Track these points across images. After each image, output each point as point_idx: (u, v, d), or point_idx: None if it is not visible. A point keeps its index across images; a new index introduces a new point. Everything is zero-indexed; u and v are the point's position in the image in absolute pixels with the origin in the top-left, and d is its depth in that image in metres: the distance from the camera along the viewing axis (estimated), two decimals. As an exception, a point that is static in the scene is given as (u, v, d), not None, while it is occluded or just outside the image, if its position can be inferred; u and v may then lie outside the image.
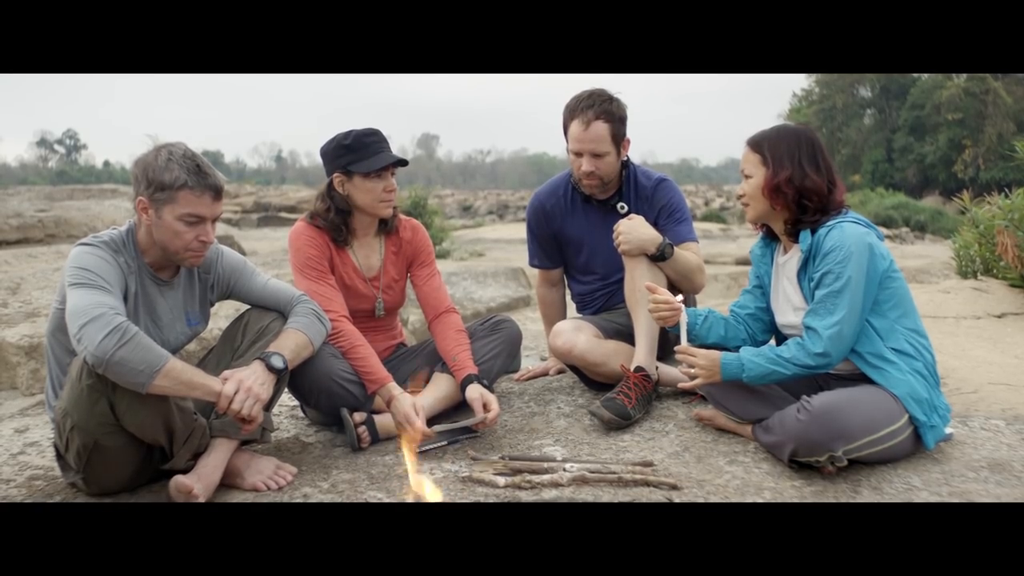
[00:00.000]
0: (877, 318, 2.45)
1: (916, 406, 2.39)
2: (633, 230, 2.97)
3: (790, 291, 2.61)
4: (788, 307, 2.62)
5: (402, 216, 3.15)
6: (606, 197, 3.26)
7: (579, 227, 3.33)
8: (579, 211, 3.32)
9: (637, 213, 3.13)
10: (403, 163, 2.91)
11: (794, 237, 2.55)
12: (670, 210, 3.21)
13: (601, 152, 3.07)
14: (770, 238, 2.74)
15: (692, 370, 2.59)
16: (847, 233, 2.40)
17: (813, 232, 2.49)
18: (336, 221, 2.92)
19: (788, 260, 2.62)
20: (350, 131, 2.88)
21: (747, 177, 2.57)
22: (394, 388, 2.75)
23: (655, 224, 3.09)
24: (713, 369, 2.53)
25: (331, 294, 2.85)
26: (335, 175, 2.90)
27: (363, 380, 2.77)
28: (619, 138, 3.10)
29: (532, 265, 3.57)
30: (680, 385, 2.76)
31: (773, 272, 2.72)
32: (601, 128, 3.03)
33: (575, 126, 3.06)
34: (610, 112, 3.04)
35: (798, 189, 2.46)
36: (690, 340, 2.66)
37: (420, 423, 2.63)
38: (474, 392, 2.77)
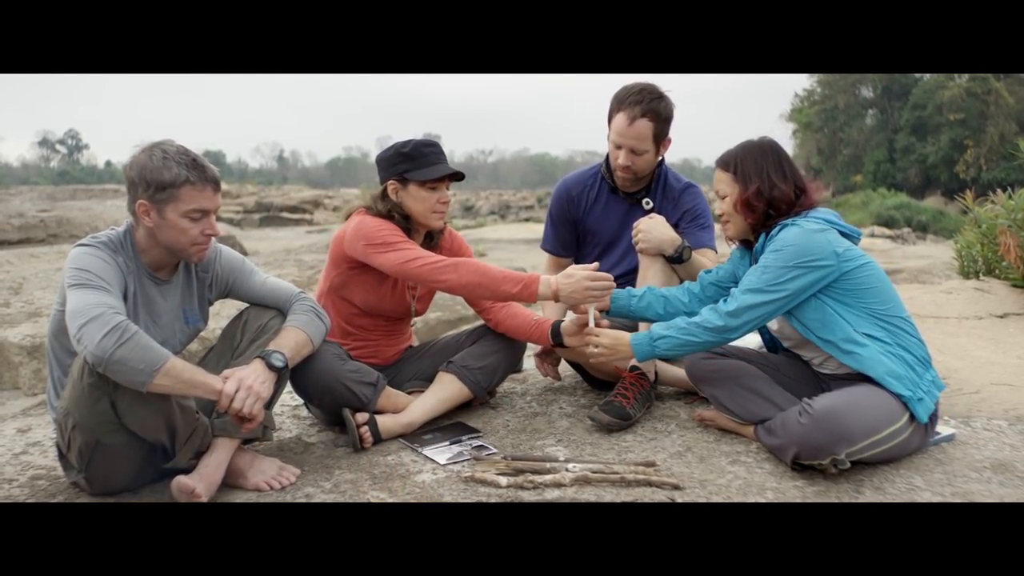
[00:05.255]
0: (844, 307, 2.48)
1: (897, 383, 2.40)
2: (653, 229, 2.97)
3: None
4: None
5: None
6: (635, 190, 3.27)
7: (599, 218, 3.34)
8: (603, 202, 3.34)
9: (661, 212, 3.14)
10: (460, 176, 2.91)
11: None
12: (694, 215, 3.23)
13: (640, 150, 3.08)
14: (746, 247, 2.80)
15: (594, 349, 2.69)
16: (792, 230, 2.48)
17: (767, 234, 2.57)
18: (402, 224, 2.89)
19: None
20: (409, 140, 2.88)
21: (723, 198, 2.64)
22: (551, 279, 2.71)
23: (676, 226, 3.10)
24: (616, 347, 2.64)
25: (422, 250, 2.80)
26: (390, 182, 2.88)
27: (518, 288, 2.71)
28: (661, 138, 3.10)
29: (544, 248, 3.55)
30: (592, 359, 2.78)
31: None
32: (644, 127, 3.03)
33: (620, 118, 3.06)
34: (657, 111, 3.03)
35: (768, 200, 2.55)
36: (627, 318, 2.83)
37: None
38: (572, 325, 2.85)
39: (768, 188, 2.53)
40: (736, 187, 2.58)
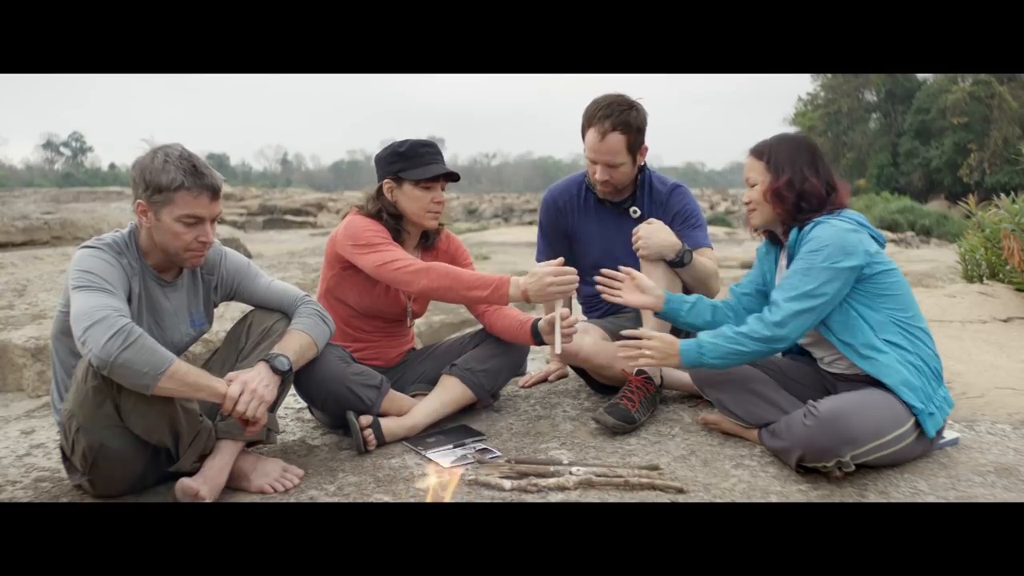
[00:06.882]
0: (868, 310, 2.48)
1: (911, 394, 2.40)
2: (653, 235, 2.95)
3: None
4: None
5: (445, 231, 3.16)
6: (620, 200, 3.25)
7: (590, 228, 3.32)
8: (592, 212, 3.31)
9: (651, 218, 3.13)
10: (454, 177, 2.92)
11: (788, 235, 2.61)
12: (685, 216, 3.21)
13: (616, 163, 3.06)
14: (773, 242, 2.78)
15: (642, 351, 2.61)
16: (827, 228, 2.47)
17: (800, 229, 2.55)
18: (391, 223, 2.91)
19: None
20: (406, 140, 2.90)
21: (752, 185, 2.63)
22: (520, 280, 2.72)
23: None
24: (667, 352, 2.58)
25: (406, 253, 2.83)
26: (385, 181, 2.90)
27: (488, 291, 2.73)
28: (636, 148, 3.07)
29: (539, 262, 3.55)
30: (629, 358, 2.69)
31: (777, 275, 2.75)
32: (616, 140, 3.01)
33: (591, 135, 3.04)
34: (627, 123, 3.01)
35: (798, 192, 2.54)
36: (676, 326, 2.81)
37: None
38: (545, 324, 2.84)
39: (800, 181, 2.53)
40: (767, 176, 2.58)
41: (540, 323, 2.88)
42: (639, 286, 2.78)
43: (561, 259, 2.77)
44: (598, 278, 2.85)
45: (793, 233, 2.57)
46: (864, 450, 2.31)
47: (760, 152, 2.62)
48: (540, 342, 2.91)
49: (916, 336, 2.50)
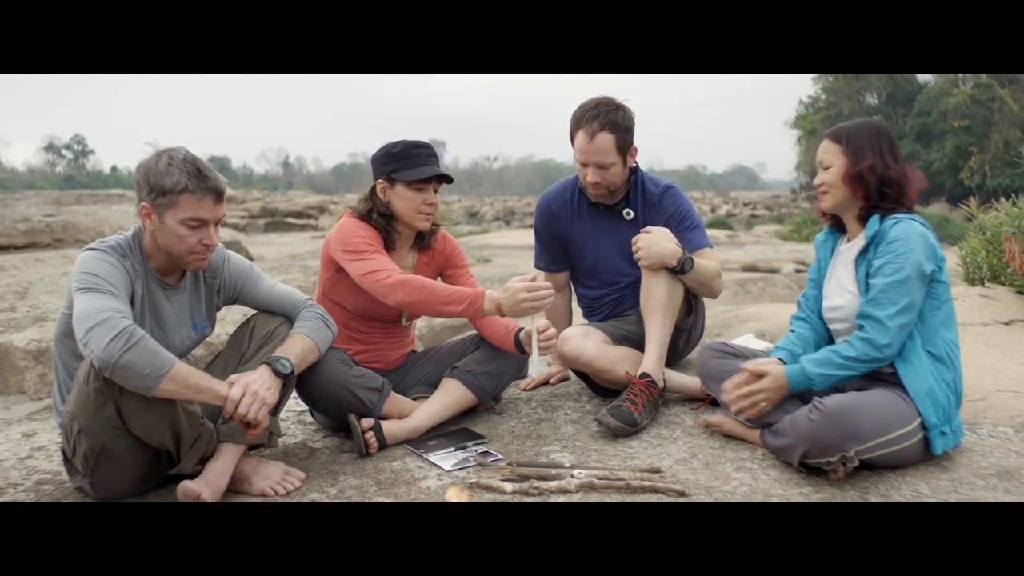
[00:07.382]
0: (920, 318, 2.49)
1: (932, 408, 2.41)
2: (653, 245, 2.95)
3: (843, 275, 2.65)
4: (837, 290, 2.66)
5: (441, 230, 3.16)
6: (613, 203, 3.25)
7: (585, 232, 3.33)
8: (586, 215, 3.32)
9: (645, 220, 3.12)
10: (447, 179, 2.93)
11: (863, 222, 2.59)
12: (680, 217, 3.20)
13: (606, 164, 3.06)
14: (834, 228, 2.78)
15: (756, 402, 2.53)
16: (912, 229, 2.47)
17: (882, 220, 2.54)
18: (381, 223, 2.92)
19: (851, 247, 2.66)
20: (401, 140, 2.91)
21: (826, 168, 2.62)
22: (495, 295, 2.72)
23: None
24: (779, 393, 2.52)
25: (389, 263, 2.83)
26: (379, 181, 2.92)
27: (462, 307, 2.73)
28: (625, 148, 3.08)
29: (537, 267, 3.55)
30: (743, 410, 2.58)
31: (832, 259, 2.76)
32: (605, 140, 3.02)
33: (580, 137, 3.06)
34: (615, 123, 3.03)
35: (881, 178, 2.53)
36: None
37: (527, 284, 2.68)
38: (524, 336, 2.82)
39: (882, 167, 2.52)
40: (844, 159, 2.56)
41: (521, 334, 2.88)
42: (762, 380, 2.54)
43: (534, 275, 2.76)
44: (727, 398, 2.60)
45: (874, 223, 2.54)
46: (869, 446, 2.32)
47: (838, 136, 2.61)
48: (523, 351, 2.91)
49: (954, 357, 2.52)
